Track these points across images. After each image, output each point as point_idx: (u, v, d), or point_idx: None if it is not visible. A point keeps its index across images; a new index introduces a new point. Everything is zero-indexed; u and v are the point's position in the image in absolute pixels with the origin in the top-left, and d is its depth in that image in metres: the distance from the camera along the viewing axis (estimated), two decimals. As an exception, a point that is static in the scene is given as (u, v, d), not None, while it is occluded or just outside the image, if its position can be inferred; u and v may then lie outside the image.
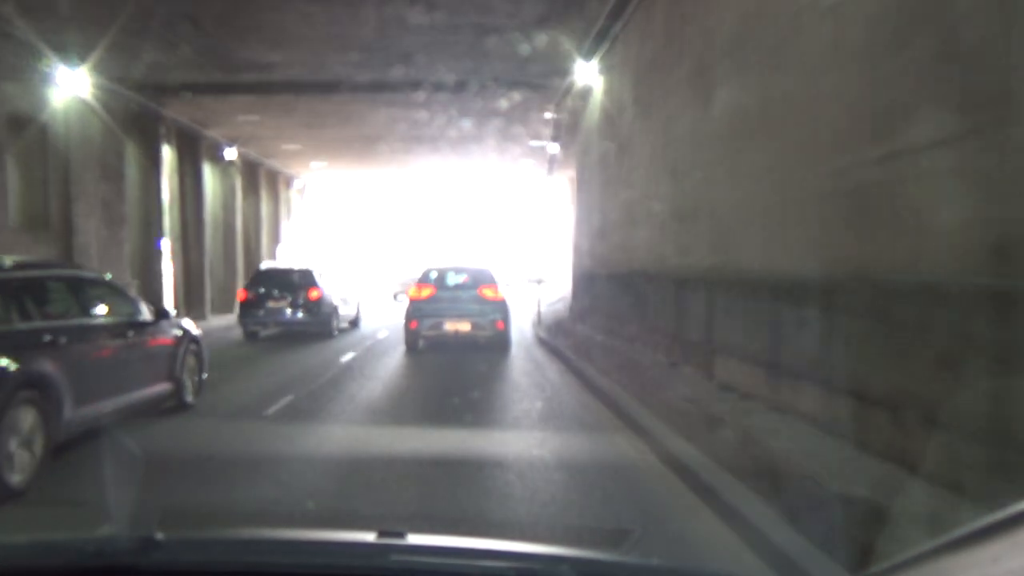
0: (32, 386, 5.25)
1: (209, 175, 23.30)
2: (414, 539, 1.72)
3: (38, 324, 5.59)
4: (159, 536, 1.59)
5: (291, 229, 33.32)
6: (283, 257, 30.21)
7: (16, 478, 4.95)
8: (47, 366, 5.43)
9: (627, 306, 10.93)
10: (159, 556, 1.55)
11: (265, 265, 17.26)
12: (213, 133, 21.27)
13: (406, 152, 27.44)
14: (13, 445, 4.96)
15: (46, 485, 5.11)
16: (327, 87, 16.60)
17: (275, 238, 29.86)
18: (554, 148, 22.81)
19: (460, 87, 16.34)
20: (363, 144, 24.29)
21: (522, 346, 15.31)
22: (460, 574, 1.64)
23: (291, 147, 24.13)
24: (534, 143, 23.85)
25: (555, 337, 14.84)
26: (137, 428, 6.52)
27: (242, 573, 1.57)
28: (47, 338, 5.55)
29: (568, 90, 16.00)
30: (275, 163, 28.23)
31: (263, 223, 28.00)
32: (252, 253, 26.61)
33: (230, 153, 22.62)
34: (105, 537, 1.97)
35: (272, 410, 7.85)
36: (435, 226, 68.31)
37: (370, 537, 1.71)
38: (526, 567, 1.62)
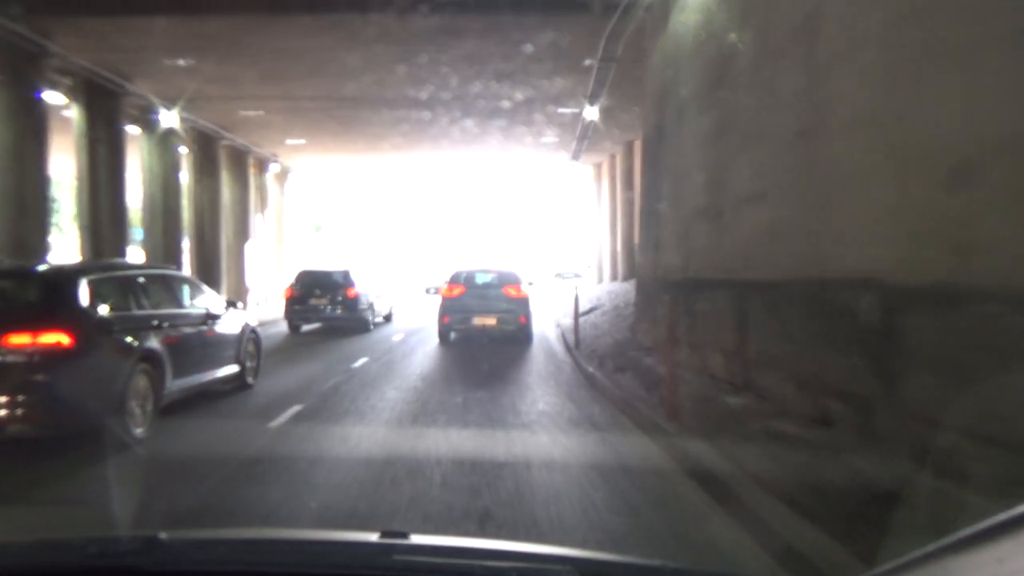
0: (146, 360, 6.65)
1: (142, 147, 18.01)
2: (416, 539, 1.72)
3: (148, 312, 7.04)
4: (162, 536, 1.59)
5: (267, 222, 27.98)
6: (253, 256, 24.93)
7: (138, 430, 6.35)
8: (156, 344, 6.85)
9: (807, 349, 5.48)
10: (162, 556, 1.56)
11: (306, 267, 18.49)
12: (140, 88, 15.88)
13: (405, 140, 22.26)
14: (135, 405, 6.37)
15: (155, 438, 6.45)
16: (273, 5, 11.30)
17: (243, 232, 24.52)
18: (592, 113, 17.43)
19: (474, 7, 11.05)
20: (347, 112, 18.99)
21: (560, 387, 9.81)
22: (462, 574, 1.62)
23: (251, 113, 18.79)
24: (563, 110, 18.51)
25: (616, 375, 9.45)
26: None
27: (245, 573, 1.57)
28: (154, 323, 7.00)
29: (629, 8, 10.64)
30: (240, 139, 22.85)
31: (224, 212, 22.68)
32: (209, 249, 21.27)
33: (168, 118, 17.23)
34: (109, 537, 1.85)
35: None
36: (450, 217, 64.42)
37: (373, 537, 1.70)
38: (528, 567, 1.61)
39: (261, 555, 1.68)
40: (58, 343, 5.79)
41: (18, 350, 5.72)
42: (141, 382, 6.54)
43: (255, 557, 1.66)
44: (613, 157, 26.98)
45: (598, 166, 30.60)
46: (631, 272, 23.21)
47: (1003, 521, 0.98)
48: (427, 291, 33.39)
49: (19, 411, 5.68)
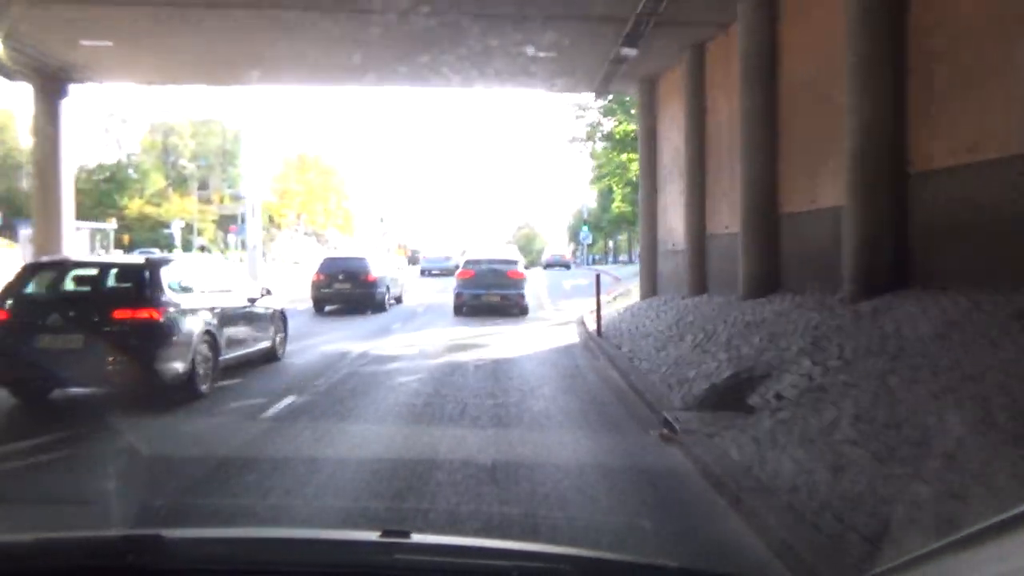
0: (208, 333, 8.29)
1: None
2: (418, 538, 1.73)
3: (207, 295, 8.72)
4: (164, 534, 1.60)
5: None
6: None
7: (203, 387, 8.08)
8: (214, 321, 8.49)
9: None
10: (164, 554, 1.56)
11: (331, 255, 21.83)
12: None
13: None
14: (201, 368, 8.05)
15: (214, 395, 8.18)
16: None
17: None
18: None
19: None
20: None
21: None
22: (463, 572, 1.63)
23: None
24: None
25: None
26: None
27: (246, 572, 1.57)
28: (212, 303, 8.65)
29: None
30: None
31: None
32: None
33: None
34: (110, 535, 1.90)
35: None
36: (434, 187, 58.10)
37: (374, 536, 1.70)
38: (529, 566, 1.60)
39: (262, 553, 1.68)
40: (150, 316, 7.57)
41: (121, 322, 7.50)
42: (205, 350, 8.22)
43: (256, 556, 1.66)
44: (699, 51, 13.39)
45: (651, 82, 16.90)
46: (770, 278, 9.78)
47: (1004, 519, 0.97)
48: (422, 273, 36.73)
49: (123, 368, 7.33)
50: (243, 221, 57.13)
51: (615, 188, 31.33)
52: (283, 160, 63.57)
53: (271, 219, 59.42)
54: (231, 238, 52.60)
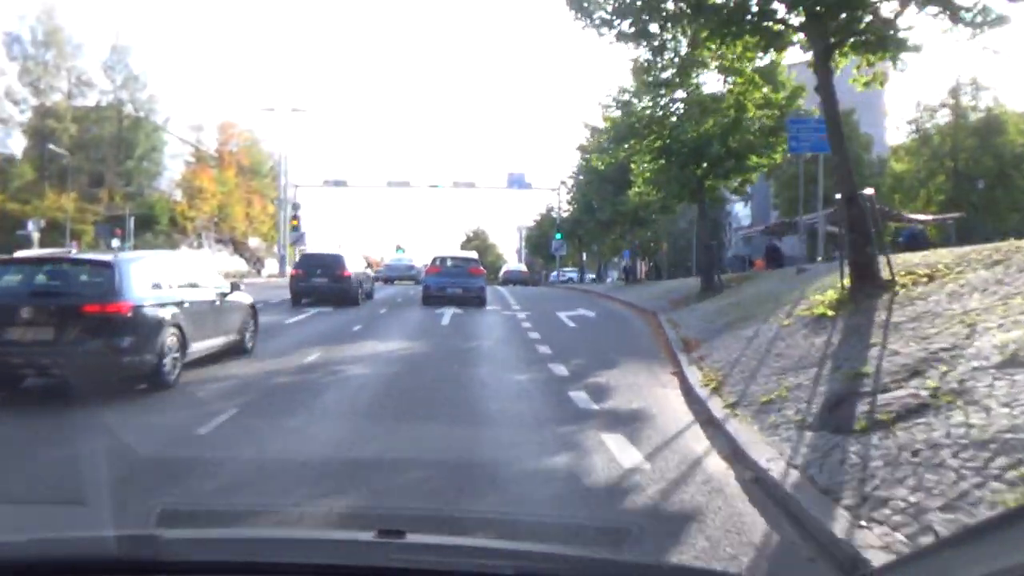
0: (176, 326, 8.72)
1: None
2: (413, 538, 1.71)
3: (176, 289, 9.15)
4: (160, 534, 1.68)
5: None
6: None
7: (171, 377, 8.51)
8: (182, 315, 8.92)
9: None
10: (160, 554, 1.56)
11: (308, 251, 26.13)
12: None
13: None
14: (168, 359, 8.46)
15: (182, 384, 8.63)
16: None
17: None
18: None
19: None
20: None
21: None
22: (458, 572, 1.61)
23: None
24: None
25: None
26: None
27: (243, 571, 1.56)
28: (181, 298, 9.08)
29: None
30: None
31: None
32: None
33: None
34: (108, 535, 1.80)
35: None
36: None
37: (369, 536, 1.71)
38: (524, 565, 1.61)
39: (257, 553, 1.68)
40: (119, 310, 7.95)
41: (91, 316, 7.84)
42: (173, 342, 8.62)
43: (251, 555, 1.65)
44: None
45: None
46: None
47: (1001, 517, 0.99)
48: (385, 281, 36.37)
49: (92, 360, 7.73)
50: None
51: (635, 164, 21.48)
52: (191, 153, 52.73)
53: (173, 222, 48.45)
54: (115, 242, 41.59)
